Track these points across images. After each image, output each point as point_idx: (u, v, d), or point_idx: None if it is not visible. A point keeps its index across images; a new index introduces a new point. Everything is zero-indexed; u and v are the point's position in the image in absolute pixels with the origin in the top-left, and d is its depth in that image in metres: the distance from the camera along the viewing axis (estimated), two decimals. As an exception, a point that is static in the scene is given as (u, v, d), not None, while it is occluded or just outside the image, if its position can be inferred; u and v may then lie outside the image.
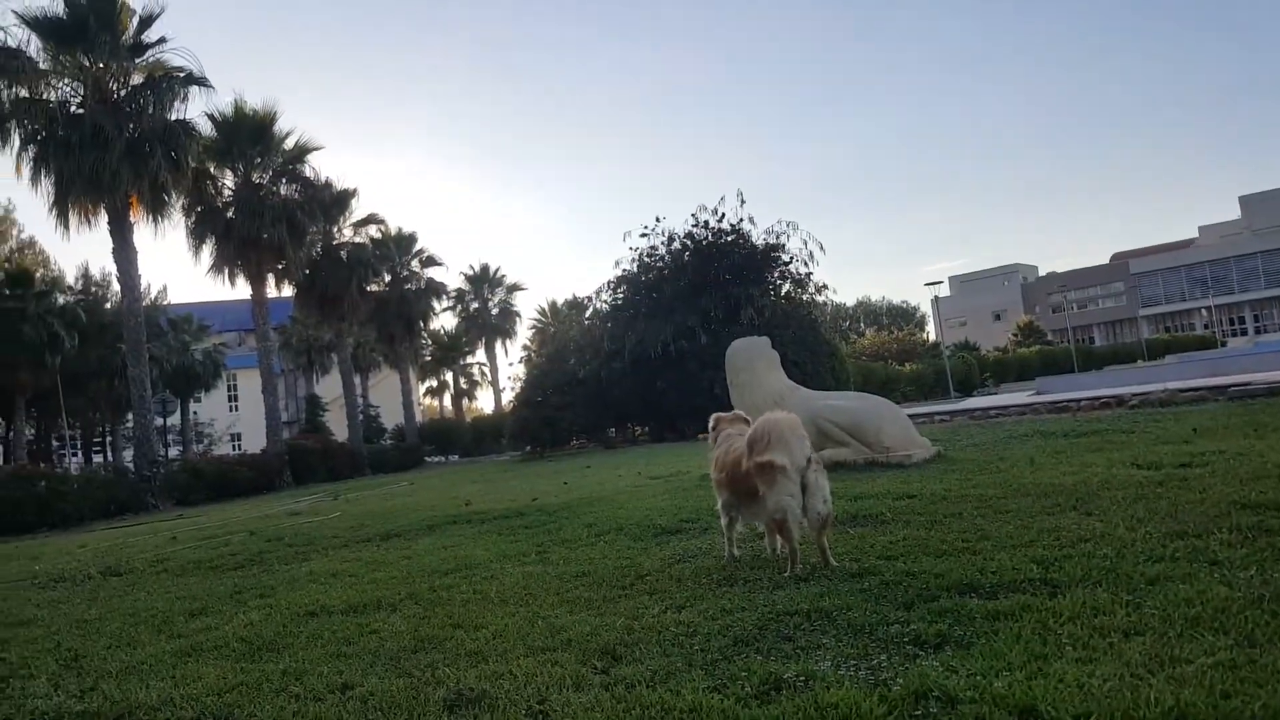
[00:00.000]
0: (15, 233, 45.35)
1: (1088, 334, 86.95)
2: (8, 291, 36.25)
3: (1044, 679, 2.78)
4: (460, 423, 53.31)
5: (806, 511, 4.66)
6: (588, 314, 34.52)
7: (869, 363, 45.09)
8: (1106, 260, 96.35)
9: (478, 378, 68.20)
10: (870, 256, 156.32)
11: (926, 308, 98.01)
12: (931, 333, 79.50)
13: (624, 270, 30.29)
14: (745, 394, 10.35)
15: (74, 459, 48.02)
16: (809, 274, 28.78)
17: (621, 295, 30.17)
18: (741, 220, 28.62)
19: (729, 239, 28.48)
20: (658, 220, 29.71)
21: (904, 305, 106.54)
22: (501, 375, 61.50)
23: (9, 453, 40.42)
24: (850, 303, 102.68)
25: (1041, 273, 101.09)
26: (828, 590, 4.22)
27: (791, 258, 28.53)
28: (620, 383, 27.70)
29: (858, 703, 2.75)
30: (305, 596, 5.84)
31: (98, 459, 50.23)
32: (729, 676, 3.18)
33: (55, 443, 46.91)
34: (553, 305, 70.05)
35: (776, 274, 28.86)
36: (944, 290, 58.79)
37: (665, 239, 29.45)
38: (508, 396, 46.10)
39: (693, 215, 29.06)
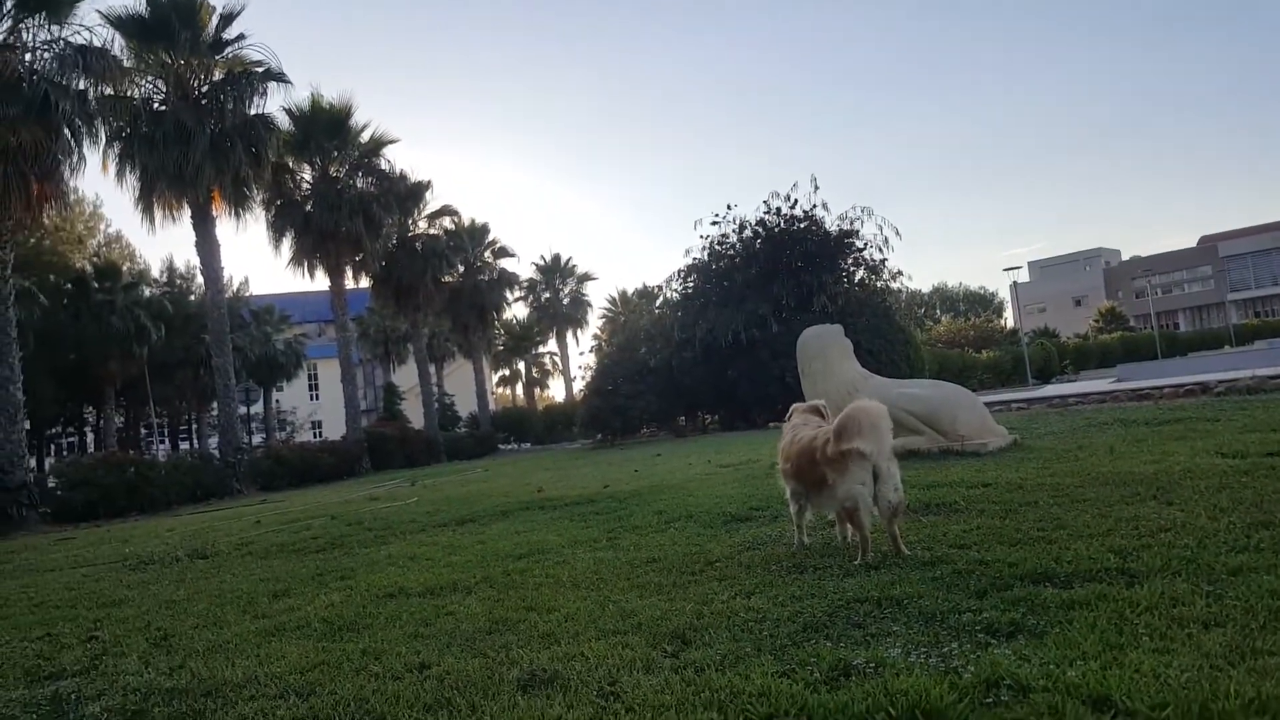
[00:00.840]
0: (103, 227, 46.99)
1: (1173, 319, 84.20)
2: (97, 284, 37.66)
3: (1119, 669, 2.74)
4: (532, 411, 53.94)
5: (877, 499, 4.64)
6: (658, 303, 34.59)
7: (945, 350, 44.44)
8: (1194, 243, 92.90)
9: (549, 367, 69.18)
10: (947, 242, 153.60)
11: (1005, 294, 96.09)
12: (1009, 319, 78.09)
13: (695, 259, 30.17)
14: (817, 382, 10.26)
15: (161, 446, 49.62)
16: (883, 260, 28.36)
17: (692, 284, 30.05)
18: (814, 207, 28.32)
19: (801, 226, 28.15)
20: (729, 208, 29.62)
21: (981, 291, 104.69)
22: (572, 364, 62.30)
23: (99, 440, 42.04)
24: (926, 289, 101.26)
25: (1125, 257, 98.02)
26: (899, 578, 4.19)
27: (865, 244, 28.16)
28: (691, 371, 27.68)
29: (928, 690, 2.73)
30: (384, 579, 5.96)
31: (184, 446, 51.86)
32: (798, 662, 3.19)
33: (143, 430, 48.46)
34: (623, 294, 70.60)
35: (850, 261, 28.50)
36: (1023, 275, 57.62)
37: (736, 226, 29.26)
38: (579, 385, 46.76)
39: (764, 202, 28.83)
